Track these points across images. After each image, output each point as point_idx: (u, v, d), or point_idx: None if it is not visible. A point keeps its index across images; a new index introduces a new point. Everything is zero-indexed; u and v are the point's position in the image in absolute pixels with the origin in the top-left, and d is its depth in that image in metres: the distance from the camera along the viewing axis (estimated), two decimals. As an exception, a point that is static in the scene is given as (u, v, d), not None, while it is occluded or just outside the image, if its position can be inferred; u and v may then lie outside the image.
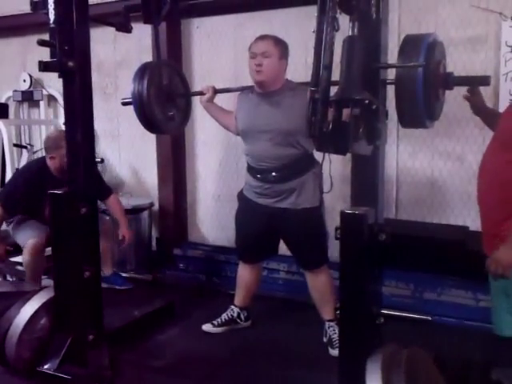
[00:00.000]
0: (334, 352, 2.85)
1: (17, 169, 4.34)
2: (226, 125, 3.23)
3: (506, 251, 1.99)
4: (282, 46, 2.93)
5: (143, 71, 2.83)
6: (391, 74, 2.10)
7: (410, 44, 1.99)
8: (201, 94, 3.19)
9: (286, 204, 2.94)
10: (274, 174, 2.92)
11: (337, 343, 2.82)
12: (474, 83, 2.33)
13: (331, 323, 3.02)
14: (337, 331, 2.94)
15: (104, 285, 3.77)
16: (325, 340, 3.03)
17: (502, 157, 2.09)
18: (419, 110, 1.97)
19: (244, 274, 3.27)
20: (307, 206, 2.93)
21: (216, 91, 3.15)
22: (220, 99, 3.24)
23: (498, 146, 2.15)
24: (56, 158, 3.55)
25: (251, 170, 3.05)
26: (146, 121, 2.91)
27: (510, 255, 1.99)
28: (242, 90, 3.12)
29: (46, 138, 3.80)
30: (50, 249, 3.98)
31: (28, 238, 3.56)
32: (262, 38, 2.93)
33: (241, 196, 3.18)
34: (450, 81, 2.14)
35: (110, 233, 3.87)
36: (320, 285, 3.03)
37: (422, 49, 1.94)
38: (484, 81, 2.20)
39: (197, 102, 3.34)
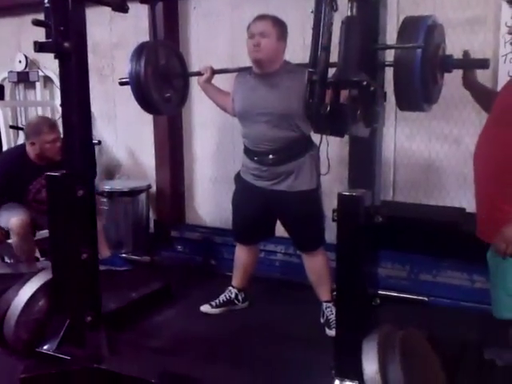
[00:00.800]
0: (331, 332, 2.88)
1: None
2: (223, 106, 3.22)
3: None
4: (280, 27, 2.90)
5: (140, 51, 2.82)
6: (390, 56, 2.08)
7: (409, 26, 1.96)
8: (199, 74, 3.17)
9: (283, 187, 2.94)
10: (271, 156, 2.91)
11: (334, 324, 2.84)
12: (474, 66, 2.32)
13: (328, 304, 3.05)
14: (333, 312, 2.97)
15: (102, 267, 3.80)
16: (322, 321, 3.06)
17: (498, 132, 2.09)
18: (417, 92, 1.95)
19: (241, 255, 3.28)
20: (304, 188, 2.93)
21: (214, 72, 3.13)
22: (217, 80, 3.22)
23: (493, 122, 2.14)
24: (36, 144, 3.54)
25: (248, 152, 3.04)
26: (144, 101, 2.90)
27: None
28: (240, 70, 3.10)
29: (27, 124, 3.77)
30: (44, 231, 4.03)
31: (10, 218, 3.57)
32: (261, 17, 2.90)
33: (238, 178, 3.18)
34: (449, 63, 2.12)
35: (101, 212, 3.87)
36: (317, 267, 3.05)
37: (421, 31, 1.92)
38: (483, 64, 2.19)
39: (194, 83, 3.32)
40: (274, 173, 2.94)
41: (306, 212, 2.97)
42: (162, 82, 2.91)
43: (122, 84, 2.94)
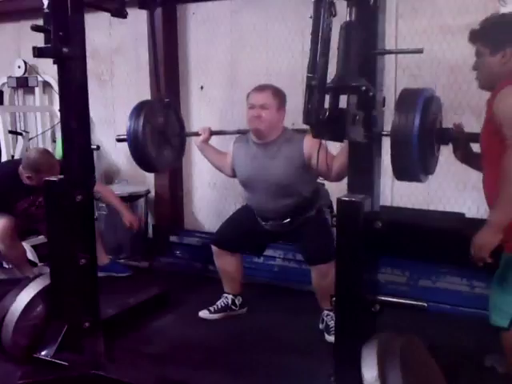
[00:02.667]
0: (330, 338, 2.87)
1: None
2: (220, 167, 3.26)
3: (484, 232, 2.00)
4: (280, 97, 2.94)
5: (140, 109, 2.81)
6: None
7: (407, 98, 1.97)
8: (196, 134, 3.20)
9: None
10: (278, 222, 3.03)
11: (333, 330, 2.83)
12: (471, 140, 2.30)
13: (329, 312, 3.03)
14: (334, 318, 2.95)
15: (102, 274, 3.79)
16: (321, 327, 3.05)
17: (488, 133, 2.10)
18: (414, 165, 1.96)
19: (220, 263, 3.28)
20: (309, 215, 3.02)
21: (212, 133, 3.17)
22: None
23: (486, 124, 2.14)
24: (33, 180, 3.47)
25: (257, 215, 3.11)
26: (140, 159, 2.89)
27: (486, 237, 1.99)
28: (239, 133, 3.13)
29: (27, 156, 3.60)
30: (40, 237, 4.02)
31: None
32: (261, 89, 2.93)
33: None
34: (447, 136, 2.16)
35: (98, 221, 3.86)
36: (326, 282, 2.90)
37: (419, 104, 1.92)
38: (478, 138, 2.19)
39: (194, 86, 3.32)
40: (286, 228, 3.04)
41: (314, 226, 3.00)
42: (159, 140, 2.92)
43: (119, 141, 2.93)
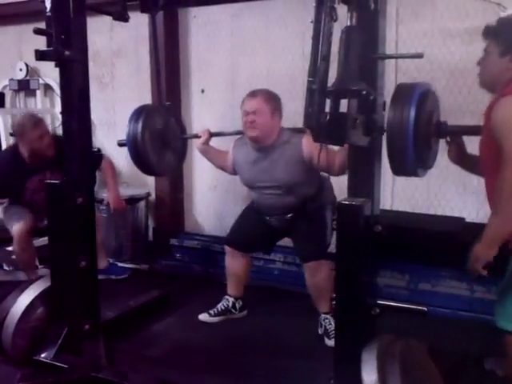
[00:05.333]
0: (330, 342, 2.87)
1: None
2: (222, 167, 3.28)
3: (480, 245, 2.01)
4: (273, 101, 2.94)
5: (139, 113, 2.82)
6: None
7: (403, 93, 1.97)
8: (196, 137, 3.21)
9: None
10: (285, 216, 3.05)
11: (333, 334, 2.83)
12: (468, 133, 2.30)
13: (327, 315, 3.04)
14: (332, 323, 2.96)
15: (101, 276, 3.78)
16: (320, 332, 3.04)
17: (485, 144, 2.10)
18: (411, 159, 1.96)
19: (232, 264, 3.29)
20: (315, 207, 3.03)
21: (211, 134, 3.17)
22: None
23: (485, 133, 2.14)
24: (24, 145, 3.46)
25: (260, 210, 3.14)
26: (140, 163, 2.91)
27: (482, 249, 2.00)
28: (238, 133, 3.12)
29: (12, 125, 3.63)
30: (44, 239, 4.01)
31: (13, 225, 3.55)
32: (253, 95, 2.93)
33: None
34: (443, 130, 2.15)
35: (100, 224, 3.85)
36: (319, 279, 3.01)
37: (414, 98, 1.92)
38: (478, 131, 2.19)
39: (194, 88, 3.31)
40: (287, 221, 3.07)
41: (310, 223, 3.01)
42: (159, 144, 2.92)
43: (120, 145, 2.93)
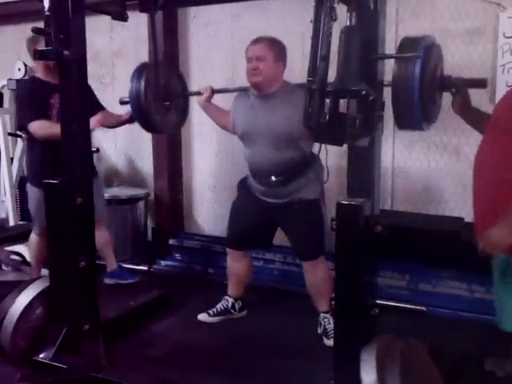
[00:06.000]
0: (329, 342, 2.87)
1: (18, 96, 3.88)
2: (223, 124, 3.24)
3: (501, 229, 1.96)
4: (277, 48, 2.90)
5: (141, 71, 2.84)
6: (388, 74, 2.08)
7: (408, 45, 1.97)
8: (198, 94, 3.19)
9: (286, 200, 2.97)
10: (273, 178, 2.93)
11: (332, 333, 2.84)
12: (472, 86, 2.30)
13: (326, 314, 3.04)
14: (331, 322, 2.96)
15: (110, 281, 3.78)
16: (319, 331, 3.05)
17: (496, 139, 2.08)
18: (415, 111, 1.95)
19: (233, 264, 3.27)
20: (307, 197, 2.95)
21: (213, 91, 3.15)
22: (218, 98, 3.22)
23: (492, 134, 2.12)
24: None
25: (252, 173, 3.07)
26: (144, 120, 2.92)
27: (503, 234, 1.95)
28: (240, 90, 3.11)
29: (26, 42, 3.49)
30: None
31: (34, 226, 3.54)
32: (256, 41, 2.91)
33: (242, 184, 3.19)
34: (447, 83, 2.13)
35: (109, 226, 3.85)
36: (318, 277, 3.02)
37: (420, 50, 1.92)
38: (481, 83, 2.19)
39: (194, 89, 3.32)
40: (278, 192, 2.97)
41: (307, 219, 2.97)
42: (162, 101, 2.93)
43: (122, 103, 2.97)
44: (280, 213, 3.02)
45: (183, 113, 3.21)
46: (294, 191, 2.95)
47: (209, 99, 3.15)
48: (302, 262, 3.10)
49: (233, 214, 3.24)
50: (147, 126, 3.00)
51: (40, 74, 3.46)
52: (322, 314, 3.06)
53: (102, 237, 3.64)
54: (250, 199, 3.11)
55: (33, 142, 3.41)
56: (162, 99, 2.94)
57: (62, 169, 2.63)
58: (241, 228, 3.18)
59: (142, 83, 2.81)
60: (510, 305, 2.10)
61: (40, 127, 3.23)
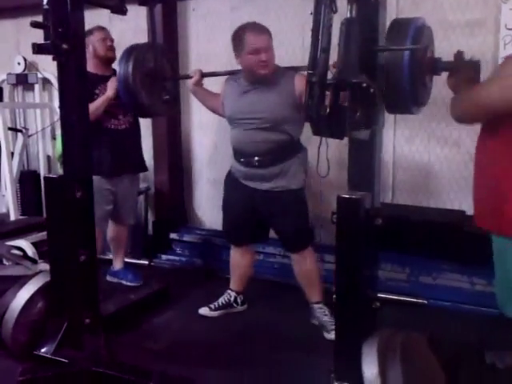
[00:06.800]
0: (330, 336, 2.86)
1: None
2: (214, 108, 3.22)
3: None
4: (270, 34, 2.88)
5: (129, 53, 2.82)
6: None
7: (397, 28, 1.95)
8: (188, 77, 3.17)
9: (269, 186, 2.96)
10: (256, 158, 2.91)
11: (331, 326, 2.84)
12: (464, 69, 2.27)
13: (319, 305, 3.04)
14: (327, 313, 2.98)
15: (111, 279, 3.79)
16: (314, 322, 3.05)
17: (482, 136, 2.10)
18: (405, 94, 1.93)
19: (236, 258, 3.28)
20: (290, 187, 2.94)
21: (203, 75, 3.13)
22: (211, 83, 3.21)
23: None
24: (89, 47, 3.42)
25: (236, 153, 3.05)
26: (132, 103, 2.90)
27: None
28: (229, 74, 3.08)
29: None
30: (40, 234, 3.99)
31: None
32: (260, 31, 2.83)
33: (227, 179, 3.18)
34: (438, 66, 2.11)
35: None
36: (307, 267, 3.04)
37: (410, 33, 1.91)
38: (474, 66, 2.16)
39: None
40: (260, 174, 2.95)
41: (293, 211, 2.97)
42: (151, 84, 2.89)
43: None
44: (265, 203, 3.00)
45: (174, 96, 3.16)
46: (277, 176, 2.92)
47: (198, 82, 3.13)
48: (291, 253, 3.10)
49: (224, 209, 3.23)
50: (136, 108, 2.97)
51: (91, 66, 3.38)
52: (315, 305, 3.06)
53: (119, 232, 3.77)
54: (236, 190, 3.10)
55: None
56: (150, 82, 2.89)
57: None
58: (234, 222, 3.18)
59: (130, 66, 2.78)
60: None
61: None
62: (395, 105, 2.01)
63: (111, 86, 3.31)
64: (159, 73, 2.96)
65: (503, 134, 1.99)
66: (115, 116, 3.46)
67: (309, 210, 3.06)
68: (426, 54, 2.04)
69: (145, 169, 3.82)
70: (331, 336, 2.81)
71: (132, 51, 2.83)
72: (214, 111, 3.25)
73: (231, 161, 3.12)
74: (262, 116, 2.86)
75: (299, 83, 2.77)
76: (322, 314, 3.01)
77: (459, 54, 2.17)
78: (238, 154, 3.02)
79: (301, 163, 2.97)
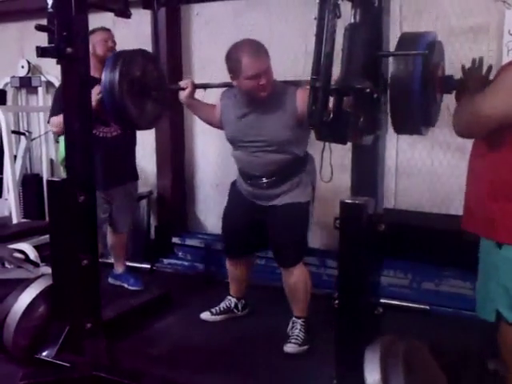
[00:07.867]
0: (286, 348, 2.84)
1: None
2: (208, 120, 3.10)
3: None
4: (268, 53, 2.74)
5: (115, 61, 2.66)
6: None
7: (408, 42, 1.89)
8: (180, 89, 2.99)
9: (274, 202, 2.90)
10: (264, 180, 2.85)
11: (294, 339, 2.86)
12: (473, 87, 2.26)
13: (300, 320, 2.97)
14: (299, 328, 2.92)
15: (113, 281, 3.79)
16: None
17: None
18: (415, 117, 1.87)
19: (231, 269, 3.24)
20: (293, 201, 2.87)
21: (196, 86, 2.97)
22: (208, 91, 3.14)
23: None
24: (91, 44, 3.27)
25: (242, 174, 2.97)
26: (119, 116, 2.74)
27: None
28: (223, 86, 2.95)
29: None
30: (42, 238, 4.00)
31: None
32: (258, 54, 2.66)
33: (233, 189, 3.11)
34: (449, 84, 2.08)
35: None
36: (294, 282, 2.93)
37: (421, 48, 1.86)
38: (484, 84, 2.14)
39: (197, 92, 3.29)
40: (268, 194, 2.90)
41: (293, 223, 2.87)
42: (138, 94, 2.72)
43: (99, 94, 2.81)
44: (267, 216, 2.92)
45: (163, 106, 2.97)
46: (285, 194, 2.87)
47: (191, 95, 2.97)
48: (281, 268, 3.00)
49: (223, 221, 3.15)
50: (123, 121, 2.79)
51: (91, 68, 3.24)
52: (294, 318, 2.99)
53: (117, 240, 3.78)
54: (238, 206, 3.03)
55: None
56: (139, 92, 2.72)
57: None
58: (230, 236, 3.12)
59: (116, 74, 2.59)
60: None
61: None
62: (404, 126, 1.96)
63: (93, 98, 2.92)
64: (147, 81, 2.80)
65: (503, 142, 1.97)
66: (105, 123, 3.34)
67: (310, 221, 2.96)
68: (437, 70, 1.98)
69: (136, 177, 3.75)
70: (287, 349, 2.83)
71: (118, 58, 2.67)
72: (209, 124, 3.13)
73: (237, 176, 3.05)
74: (265, 139, 2.77)
75: (301, 97, 2.66)
76: (296, 328, 2.94)
77: (466, 71, 2.13)
78: (245, 175, 2.94)
79: (308, 176, 2.91)
